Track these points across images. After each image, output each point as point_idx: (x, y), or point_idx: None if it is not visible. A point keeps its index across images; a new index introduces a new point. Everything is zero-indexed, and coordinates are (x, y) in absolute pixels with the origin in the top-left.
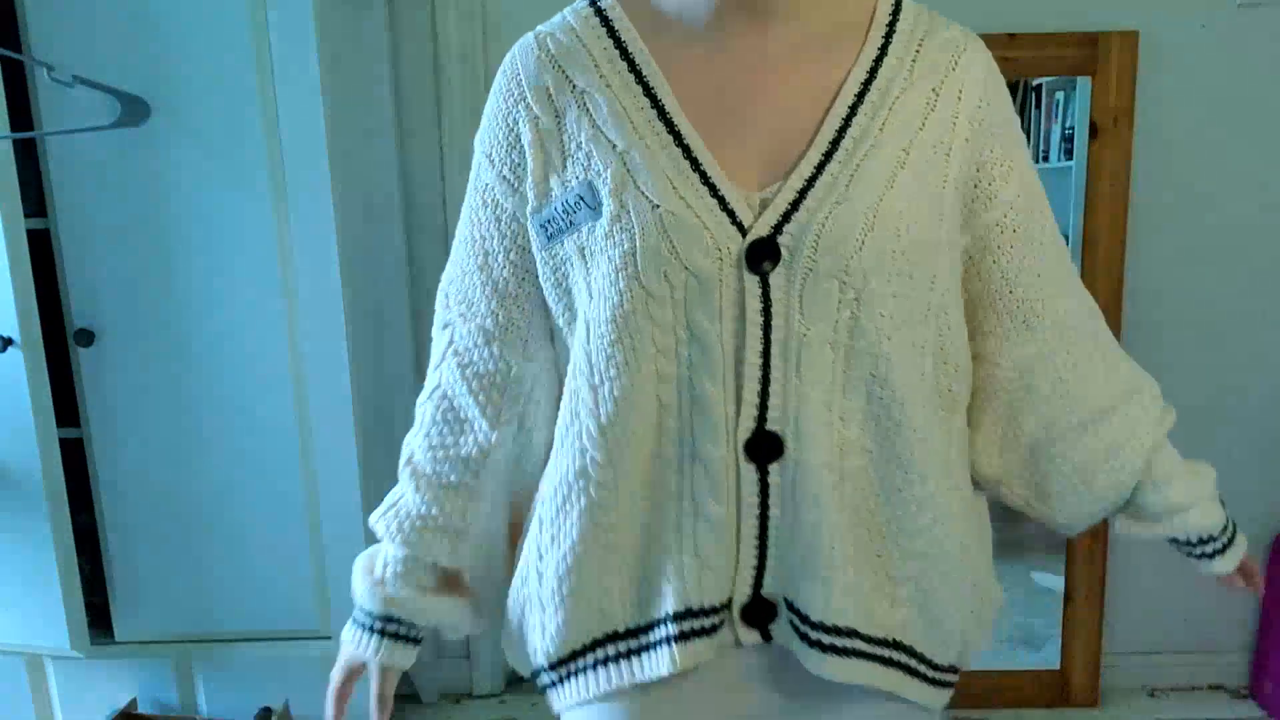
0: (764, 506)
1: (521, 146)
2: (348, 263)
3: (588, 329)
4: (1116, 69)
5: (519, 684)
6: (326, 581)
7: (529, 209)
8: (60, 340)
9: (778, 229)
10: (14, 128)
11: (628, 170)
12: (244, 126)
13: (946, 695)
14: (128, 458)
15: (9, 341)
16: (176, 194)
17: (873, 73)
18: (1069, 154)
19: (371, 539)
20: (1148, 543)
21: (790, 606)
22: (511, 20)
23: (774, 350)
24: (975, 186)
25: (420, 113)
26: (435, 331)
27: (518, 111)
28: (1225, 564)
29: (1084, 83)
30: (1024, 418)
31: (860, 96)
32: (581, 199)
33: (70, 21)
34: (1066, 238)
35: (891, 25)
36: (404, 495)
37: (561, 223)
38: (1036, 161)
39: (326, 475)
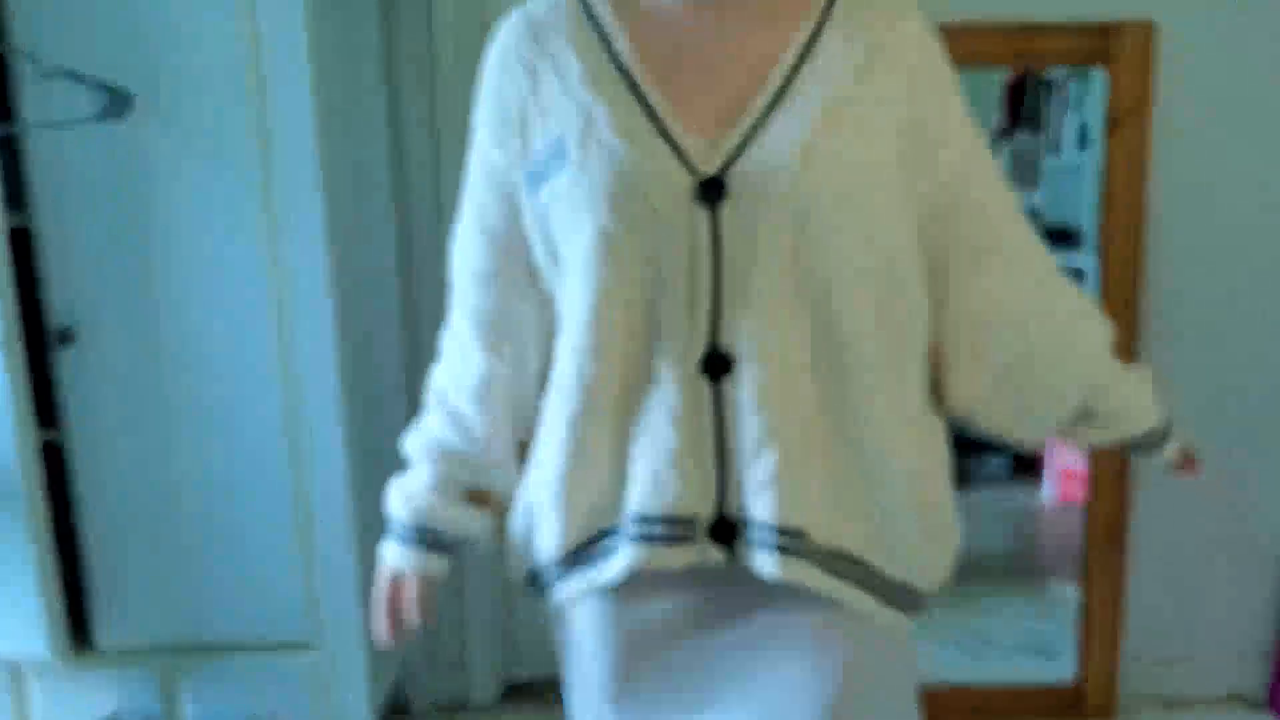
0: (719, 423)
1: (507, 109)
2: (338, 262)
3: (571, 264)
4: (1133, 59)
5: (516, 694)
6: (316, 589)
7: (516, 164)
8: (39, 339)
9: (725, 168)
10: None
11: (592, 123)
12: (232, 122)
13: (905, 619)
14: (109, 461)
15: None
16: (162, 190)
17: (815, 35)
18: (1084, 145)
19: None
20: (1111, 446)
21: (749, 524)
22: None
23: (724, 277)
24: (923, 135)
25: (414, 108)
26: (451, 273)
27: (503, 79)
28: (1172, 451)
29: (1099, 73)
30: (998, 343)
31: (803, 56)
32: (554, 150)
33: (54, 12)
34: (1080, 231)
35: None
36: (426, 419)
37: (541, 173)
38: (1050, 154)
39: (316, 479)
